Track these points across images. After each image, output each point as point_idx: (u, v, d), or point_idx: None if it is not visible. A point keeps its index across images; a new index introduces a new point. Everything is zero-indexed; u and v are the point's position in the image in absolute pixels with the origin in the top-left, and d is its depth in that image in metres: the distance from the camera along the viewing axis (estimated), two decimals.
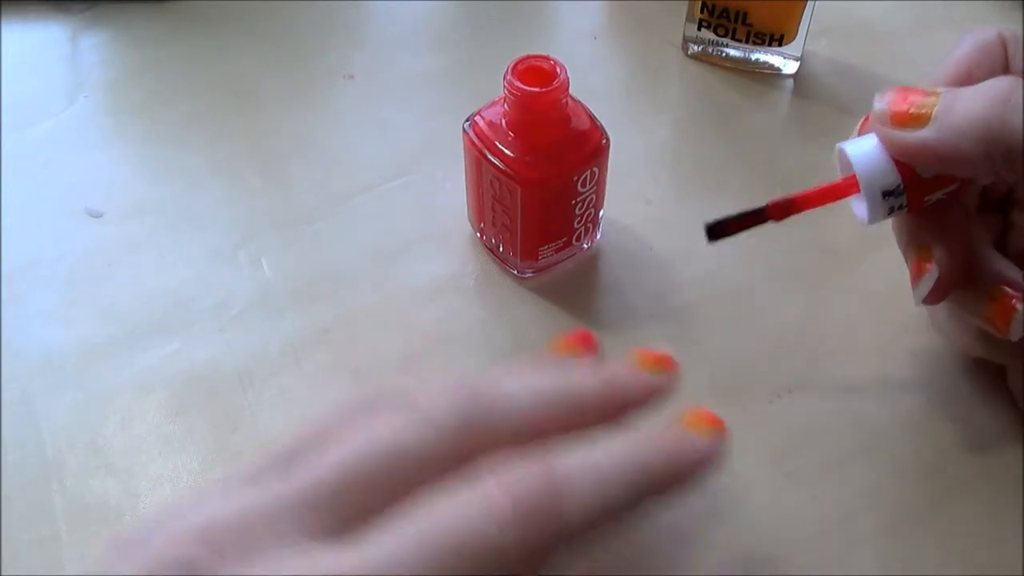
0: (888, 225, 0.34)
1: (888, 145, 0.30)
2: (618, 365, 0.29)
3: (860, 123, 0.32)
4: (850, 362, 0.36)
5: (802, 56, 0.47)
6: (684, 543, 0.31)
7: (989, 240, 0.32)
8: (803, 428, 0.34)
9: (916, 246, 0.31)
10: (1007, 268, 0.30)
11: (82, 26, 0.50)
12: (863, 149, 0.30)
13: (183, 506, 0.24)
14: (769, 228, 0.41)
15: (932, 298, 0.30)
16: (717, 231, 0.32)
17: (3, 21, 0.50)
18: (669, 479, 0.27)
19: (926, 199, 0.30)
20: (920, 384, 0.36)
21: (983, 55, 0.30)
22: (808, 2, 0.44)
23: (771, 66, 0.48)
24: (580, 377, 0.27)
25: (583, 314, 0.38)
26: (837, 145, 0.32)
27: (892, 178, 0.30)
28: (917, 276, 0.31)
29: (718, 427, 0.28)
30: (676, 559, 0.31)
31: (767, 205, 0.31)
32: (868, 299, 0.38)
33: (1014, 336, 0.29)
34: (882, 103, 0.29)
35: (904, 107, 0.29)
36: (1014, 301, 0.29)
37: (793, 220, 0.41)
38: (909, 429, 0.34)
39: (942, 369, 0.36)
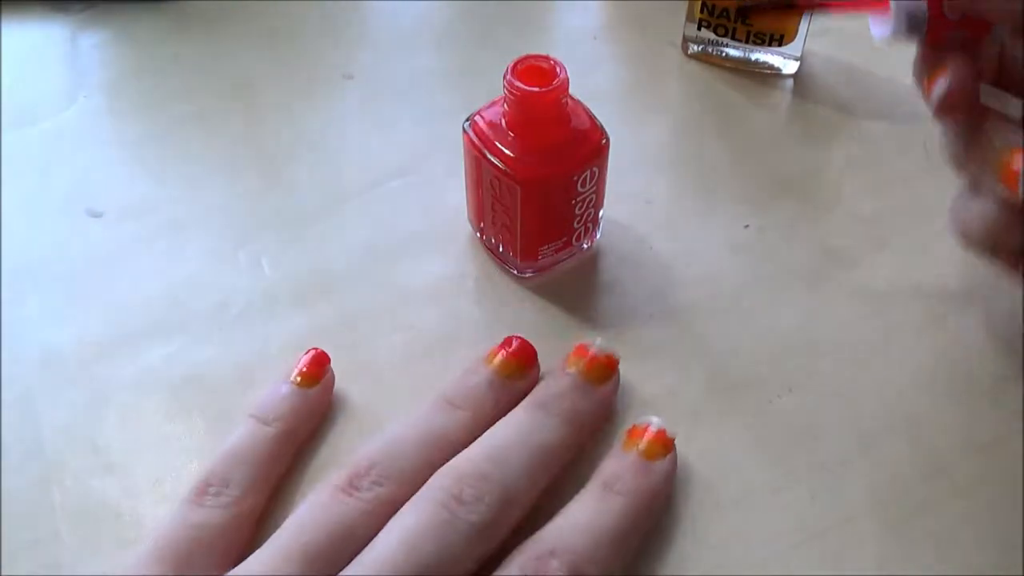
0: (889, 224, 0.34)
1: None
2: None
3: None
4: (850, 362, 0.36)
5: (802, 56, 0.47)
6: (683, 543, 0.31)
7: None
8: (803, 428, 0.34)
9: (930, 67, 0.32)
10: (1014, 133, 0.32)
11: (82, 26, 0.50)
12: None
13: None
14: (769, 228, 0.41)
15: (946, 106, 0.32)
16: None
17: (3, 21, 0.50)
18: (653, 519, 0.31)
19: (943, 35, 0.31)
20: (920, 384, 0.36)
21: None
22: None
23: (771, 66, 0.48)
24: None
25: (583, 314, 0.38)
26: None
27: (920, 4, 0.31)
28: (931, 85, 0.32)
29: (669, 445, 0.32)
30: (674, 559, 0.31)
31: None
32: (868, 299, 0.38)
33: None
34: None
35: None
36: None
37: (793, 220, 0.41)
38: (909, 429, 0.34)
39: (942, 369, 0.36)
